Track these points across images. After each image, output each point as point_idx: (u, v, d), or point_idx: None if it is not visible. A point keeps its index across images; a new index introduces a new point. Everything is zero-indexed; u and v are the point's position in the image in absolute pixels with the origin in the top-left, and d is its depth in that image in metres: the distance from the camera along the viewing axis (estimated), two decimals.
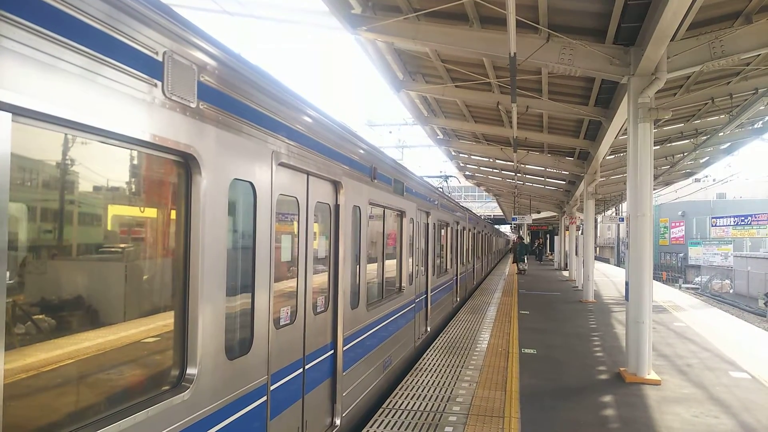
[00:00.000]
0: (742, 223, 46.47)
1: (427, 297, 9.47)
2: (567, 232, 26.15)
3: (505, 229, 66.76)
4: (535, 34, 7.43)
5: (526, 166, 18.02)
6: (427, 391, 6.13)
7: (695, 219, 49.00)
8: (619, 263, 40.82)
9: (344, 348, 4.84)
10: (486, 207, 54.82)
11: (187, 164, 2.67)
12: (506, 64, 7.78)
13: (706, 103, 10.93)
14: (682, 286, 38.24)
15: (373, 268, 6.32)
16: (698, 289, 37.99)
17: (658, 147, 14.24)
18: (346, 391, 4.95)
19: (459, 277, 14.22)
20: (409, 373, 6.92)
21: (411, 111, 13.16)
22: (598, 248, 53.77)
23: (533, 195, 27.30)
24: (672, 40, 6.68)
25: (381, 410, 5.47)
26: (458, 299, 14.01)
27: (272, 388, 3.47)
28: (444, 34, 7.77)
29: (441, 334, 9.60)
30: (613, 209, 35.50)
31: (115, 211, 2.40)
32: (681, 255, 47.37)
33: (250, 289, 3.24)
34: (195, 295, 2.65)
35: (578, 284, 18.53)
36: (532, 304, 14.18)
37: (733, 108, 10.49)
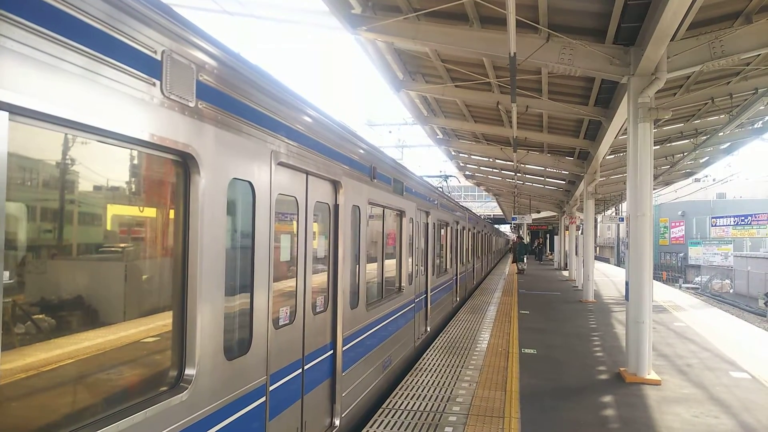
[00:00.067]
0: (742, 223, 46.48)
1: (426, 297, 9.46)
2: (567, 232, 26.15)
3: (504, 228, 66.77)
4: (535, 34, 7.42)
5: (526, 165, 18.02)
6: (427, 391, 6.13)
7: (695, 219, 49.01)
8: (619, 263, 40.82)
9: (344, 348, 4.83)
10: (486, 207, 54.78)
11: (185, 164, 2.66)
12: (506, 64, 7.77)
13: (706, 103, 10.93)
14: (682, 285, 38.25)
15: (372, 267, 6.31)
16: (698, 288, 37.99)
17: (658, 147, 14.24)
18: (346, 391, 4.94)
19: (459, 276, 14.22)
20: (409, 373, 6.91)
21: (411, 111, 13.16)
22: (598, 248, 53.76)
23: (533, 195, 27.30)
24: (672, 40, 6.67)
25: (381, 410, 5.46)
26: (458, 299, 14.01)
27: (271, 388, 3.47)
28: (444, 34, 7.76)
29: (441, 334, 9.59)
30: (613, 209, 35.48)
31: (113, 210, 2.39)
32: (681, 255, 47.39)
33: (249, 289, 3.23)
34: (194, 295, 2.65)
35: (578, 284, 18.53)
36: (532, 304, 14.18)
37: (733, 108, 10.48)
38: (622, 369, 7.24)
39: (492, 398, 5.94)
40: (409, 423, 5.14)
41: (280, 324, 3.71)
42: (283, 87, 3.73)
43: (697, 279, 41.47)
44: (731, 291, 36.31)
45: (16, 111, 1.77)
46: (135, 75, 2.26)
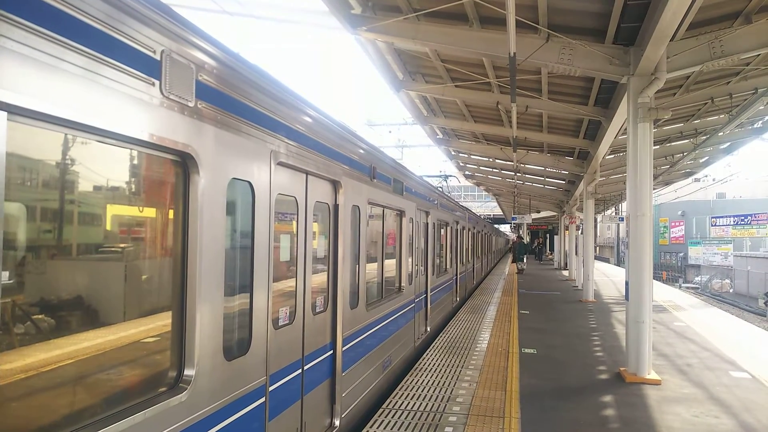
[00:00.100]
0: (742, 222, 46.49)
1: (426, 297, 9.46)
2: (567, 232, 26.15)
3: (504, 228, 66.75)
4: (534, 34, 7.42)
5: (526, 165, 18.01)
6: (427, 391, 6.12)
7: (695, 219, 49.01)
8: (619, 263, 40.84)
9: (343, 348, 4.83)
10: (486, 206, 54.78)
11: (185, 163, 2.66)
12: (506, 64, 7.77)
13: (706, 103, 10.93)
14: (682, 285, 38.24)
15: (372, 267, 6.30)
16: (698, 288, 37.99)
17: (658, 147, 14.23)
18: (346, 391, 4.94)
19: (459, 276, 14.22)
20: (409, 373, 6.91)
21: (411, 111, 13.16)
22: (597, 248, 53.78)
23: (533, 194, 27.29)
24: (672, 40, 6.67)
25: (381, 410, 5.46)
26: (458, 299, 14.01)
27: (271, 388, 3.46)
28: (444, 34, 7.76)
29: (441, 334, 9.59)
30: (613, 209, 35.49)
31: (112, 211, 2.39)
32: (681, 255, 47.38)
33: (248, 289, 3.22)
34: (193, 295, 2.64)
35: (578, 284, 18.53)
36: (532, 304, 14.17)
37: (732, 108, 10.48)
38: (622, 369, 7.24)
39: (492, 398, 5.94)
40: (409, 423, 5.14)
41: (279, 324, 3.70)
42: (282, 87, 3.72)
43: (697, 279, 41.46)
44: (731, 291, 36.30)
45: (15, 111, 1.77)
46: (134, 75, 2.25)
